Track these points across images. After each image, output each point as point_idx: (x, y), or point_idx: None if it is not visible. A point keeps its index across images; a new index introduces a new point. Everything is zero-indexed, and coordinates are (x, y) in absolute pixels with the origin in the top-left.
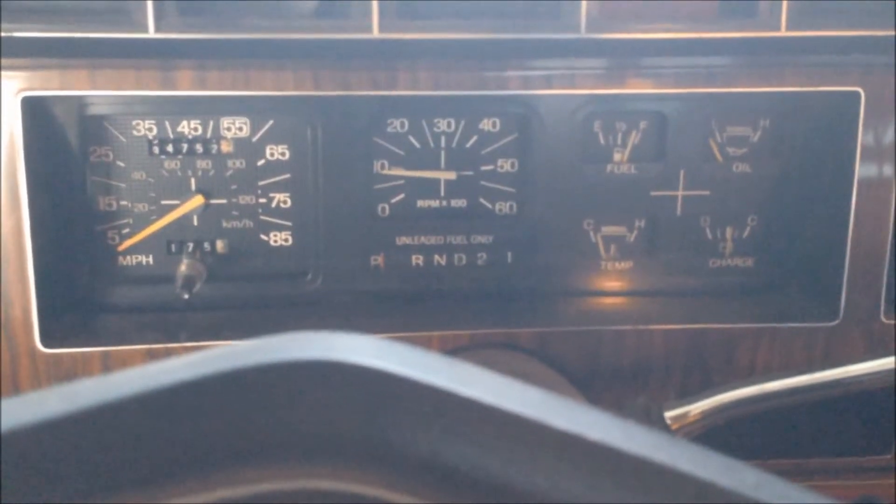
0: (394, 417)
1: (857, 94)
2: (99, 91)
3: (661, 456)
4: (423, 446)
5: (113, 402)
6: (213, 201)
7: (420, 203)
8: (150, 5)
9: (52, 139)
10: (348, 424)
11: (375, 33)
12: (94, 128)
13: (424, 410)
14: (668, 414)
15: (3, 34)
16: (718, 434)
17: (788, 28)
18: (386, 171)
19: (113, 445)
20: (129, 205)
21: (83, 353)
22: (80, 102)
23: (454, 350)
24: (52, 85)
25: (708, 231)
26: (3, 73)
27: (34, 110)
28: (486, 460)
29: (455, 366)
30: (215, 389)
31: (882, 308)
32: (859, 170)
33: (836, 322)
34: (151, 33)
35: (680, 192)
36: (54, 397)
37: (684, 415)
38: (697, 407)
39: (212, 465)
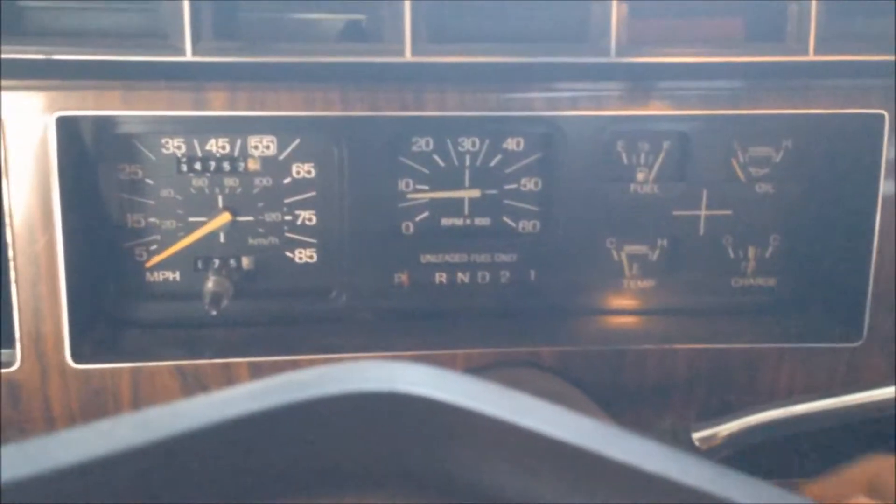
0: (455, 448)
1: (881, 117)
2: (132, 111)
3: (716, 487)
4: (483, 476)
5: (183, 433)
6: (240, 218)
7: (444, 221)
8: (187, 29)
9: (84, 157)
10: (409, 454)
11: (408, 57)
12: (124, 146)
13: (484, 441)
14: (696, 435)
15: (42, 56)
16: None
17: (816, 52)
18: (410, 190)
19: (181, 475)
20: (158, 222)
21: (112, 368)
22: (111, 121)
23: (478, 369)
24: (87, 105)
25: (730, 250)
26: (41, 93)
27: (67, 129)
28: (542, 489)
29: (515, 397)
30: (277, 421)
31: None
32: (883, 190)
33: (860, 343)
34: (188, 56)
35: (702, 212)
36: (123, 427)
37: (712, 436)
38: (725, 429)
39: (273, 494)
